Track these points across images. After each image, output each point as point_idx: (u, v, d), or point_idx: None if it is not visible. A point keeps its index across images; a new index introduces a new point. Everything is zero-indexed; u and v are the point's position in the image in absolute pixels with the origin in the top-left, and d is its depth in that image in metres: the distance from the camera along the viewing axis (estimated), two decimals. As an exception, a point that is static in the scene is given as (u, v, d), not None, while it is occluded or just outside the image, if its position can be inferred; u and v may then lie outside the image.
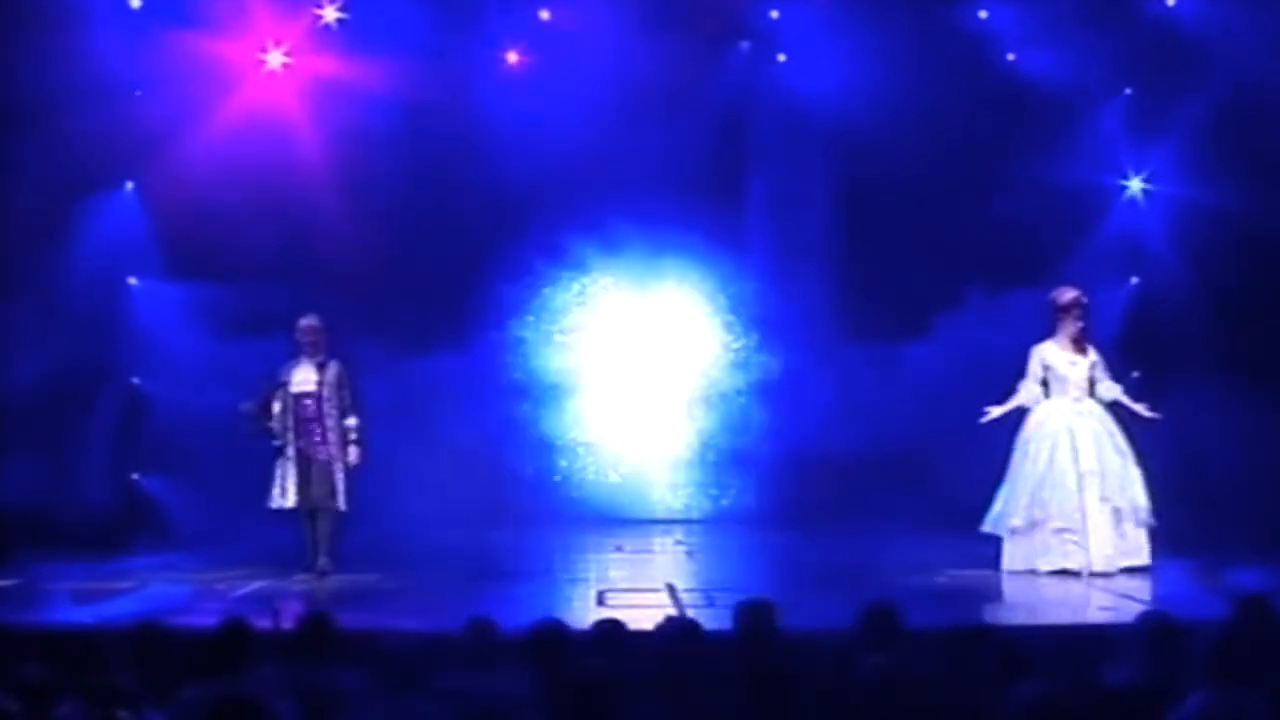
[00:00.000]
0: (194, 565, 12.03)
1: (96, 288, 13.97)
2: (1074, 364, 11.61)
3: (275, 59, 14.44)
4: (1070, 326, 11.60)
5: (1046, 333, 11.74)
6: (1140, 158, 14.64)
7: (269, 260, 13.93)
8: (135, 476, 14.09)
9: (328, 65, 14.42)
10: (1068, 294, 11.69)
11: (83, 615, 9.63)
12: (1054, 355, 11.63)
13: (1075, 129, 14.64)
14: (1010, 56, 14.70)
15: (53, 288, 13.73)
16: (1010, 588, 11.07)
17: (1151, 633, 6.39)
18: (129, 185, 14.32)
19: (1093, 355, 11.69)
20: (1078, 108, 14.59)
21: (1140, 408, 11.52)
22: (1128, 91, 14.63)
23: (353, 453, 11.74)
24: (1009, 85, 14.53)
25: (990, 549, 11.66)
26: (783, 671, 5.90)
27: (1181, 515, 11.58)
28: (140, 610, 9.24)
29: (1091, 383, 11.65)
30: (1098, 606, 10.13)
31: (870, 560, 12.23)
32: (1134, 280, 14.59)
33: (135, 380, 14.25)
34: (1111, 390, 11.63)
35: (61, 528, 12.83)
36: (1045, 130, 14.54)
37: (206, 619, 6.66)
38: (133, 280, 14.44)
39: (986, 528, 11.57)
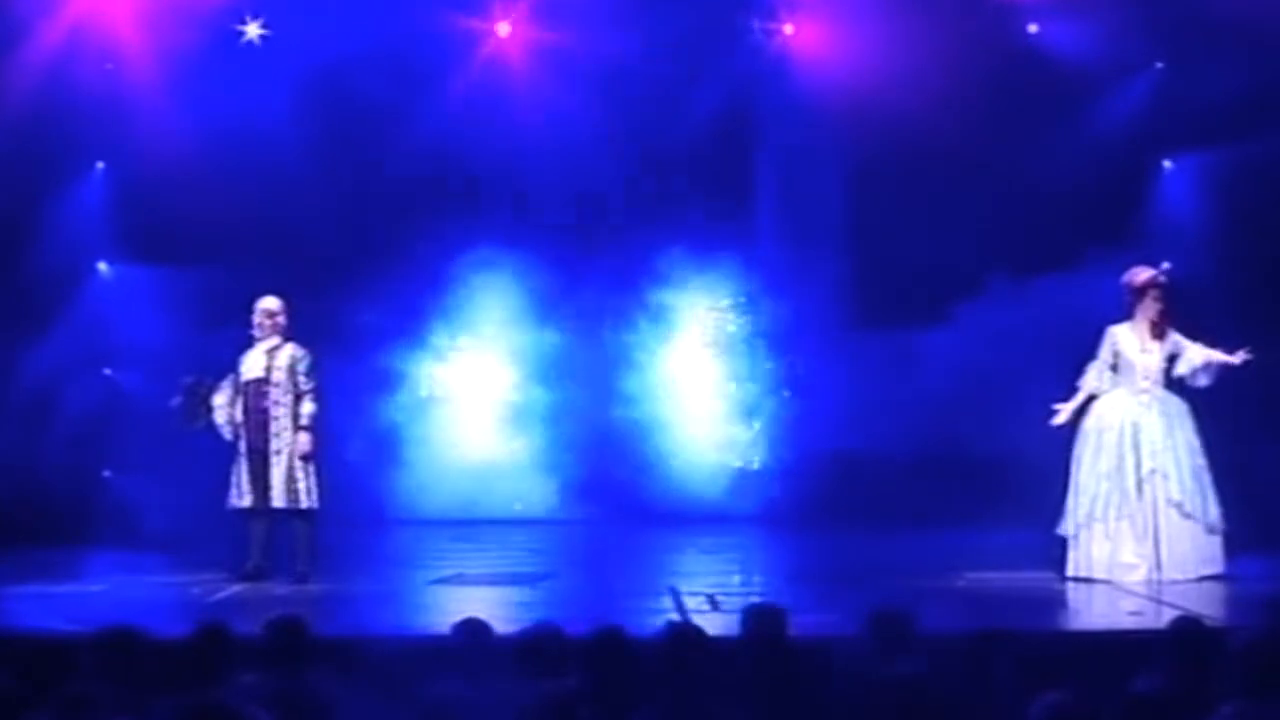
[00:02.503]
0: (168, 568, 12.01)
1: (64, 274, 13.99)
2: (1146, 351, 11.11)
3: (253, 31, 14.47)
4: (1149, 309, 11.08)
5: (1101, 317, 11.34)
6: (1172, 136, 14.60)
7: (250, 244, 13.92)
8: (106, 474, 14.12)
9: (311, 39, 14.42)
10: (1142, 274, 11.18)
11: (51, 621, 9.65)
12: (1126, 340, 11.14)
13: (1102, 105, 14.62)
14: (1032, 28, 14.69)
15: (18, 274, 13.74)
16: (1033, 591, 11.01)
17: (1181, 640, 6.41)
18: (99, 165, 14.34)
19: (1172, 338, 11.13)
20: (1105, 82, 14.57)
21: (1232, 358, 10.98)
22: (1159, 65, 14.61)
23: (302, 439, 11.28)
24: (1031, 59, 14.50)
25: (1008, 549, 11.68)
26: (791, 680, 5.92)
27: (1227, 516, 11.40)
28: (113, 616, 9.25)
29: (1168, 372, 11.14)
30: (1126, 612, 10.13)
31: (885, 561, 12.23)
32: (1166, 265, 14.49)
33: (107, 372, 14.27)
34: (1200, 355, 11.07)
35: (28, 527, 12.86)
36: (1070, 107, 14.51)
37: (182, 625, 6.66)
38: (103, 266, 14.46)
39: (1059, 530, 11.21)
